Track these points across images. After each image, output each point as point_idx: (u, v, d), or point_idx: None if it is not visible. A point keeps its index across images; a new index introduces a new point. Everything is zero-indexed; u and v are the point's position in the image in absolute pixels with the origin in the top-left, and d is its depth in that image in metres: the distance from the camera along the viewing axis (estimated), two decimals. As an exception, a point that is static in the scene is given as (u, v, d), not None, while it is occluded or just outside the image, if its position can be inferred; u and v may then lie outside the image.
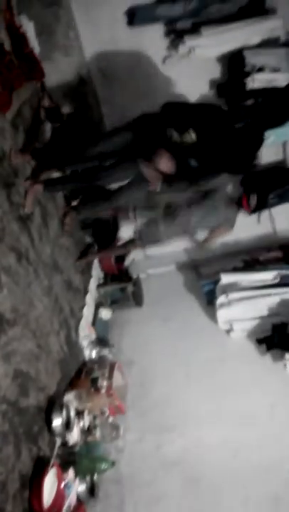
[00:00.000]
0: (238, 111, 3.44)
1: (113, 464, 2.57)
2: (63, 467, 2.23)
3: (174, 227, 3.26)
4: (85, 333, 3.27)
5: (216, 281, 3.78)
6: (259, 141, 2.48)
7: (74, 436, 2.48)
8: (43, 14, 3.18)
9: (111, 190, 3.13)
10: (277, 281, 3.63)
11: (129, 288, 4.05)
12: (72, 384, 2.79)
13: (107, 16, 3.50)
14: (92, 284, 3.80)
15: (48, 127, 3.02)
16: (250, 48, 3.39)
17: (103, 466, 2.51)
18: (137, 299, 4.12)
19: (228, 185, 3.43)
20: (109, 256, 3.94)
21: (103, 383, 2.77)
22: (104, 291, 4.04)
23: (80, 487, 2.36)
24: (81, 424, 2.60)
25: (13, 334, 2.12)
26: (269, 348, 3.36)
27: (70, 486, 2.22)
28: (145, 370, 3.46)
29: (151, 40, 3.59)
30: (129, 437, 2.97)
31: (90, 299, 3.64)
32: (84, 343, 3.20)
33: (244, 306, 3.59)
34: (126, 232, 3.82)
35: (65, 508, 2.13)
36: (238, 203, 3.06)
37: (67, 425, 2.39)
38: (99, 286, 3.99)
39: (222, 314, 3.63)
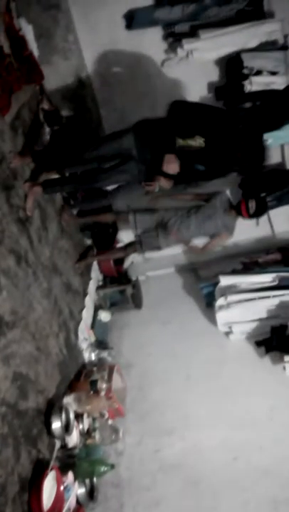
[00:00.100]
0: (236, 113, 3.45)
1: (112, 466, 2.56)
2: (63, 470, 2.23)
3: (174, 235, 3.25)
4: (84, 336, 3.26)
5: (215, 284, 3.78)
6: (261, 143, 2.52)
7: (73, 439, 2.47)
8: (42, 17, 3.20)
9: (108, 190, 3.15)
10: (276, 283, 3.63)
11: (129, 290, 4.05)
12: (71, 386, 2.78)
13: (106, 19, 3.52)
14: (92, 287, 3.80)
15: (47, 130, 3.02)
16: (248, 51, 3.41)
17: (102, 469, 2.50)
18: (136, 302, 4.12)
19: (226, 189, 3.44)
20: (109, 258, 3.94)
21: (102, 386, 2.77)
22: (104, 294, 4.04)
23: (79, 490, 2.36)
24: (80, 426, 2.60)
25: (13, 337, 2.12)
26: (268, 351, 3.36)
27: (70, 488, 2.21)
28: (144, 372, 3.46)
29: (150, 43, 3.61)
30: (129, 440, 2.96)
31: (89, 301, 3.64)
32: (83, 345, 3.20)
33: (243, 308, 3.59)
34: (125, 234, 3.83)
35: (64, 510, 2.12)
36: (237, 209, 3.05)
37: (67, 428, 2.38)
38: (98, 288, 3.99)
39: (221, 316, 3.63)
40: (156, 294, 4.29)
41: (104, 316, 3.81)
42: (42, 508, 1.96)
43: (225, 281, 3.74)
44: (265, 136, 3.20)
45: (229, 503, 2.58)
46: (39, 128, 3.00)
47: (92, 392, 2.71)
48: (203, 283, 4.04)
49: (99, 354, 3.31)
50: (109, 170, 2.78)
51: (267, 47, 3.46)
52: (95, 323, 3.63)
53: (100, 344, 3.52)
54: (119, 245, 3.89)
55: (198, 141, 2.45)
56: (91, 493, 2.47)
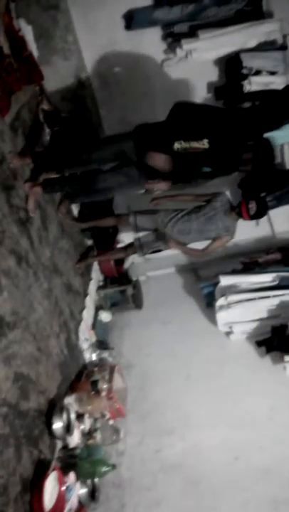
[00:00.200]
0: (236, 113, 3.45)
1: (114, 467, 2.56)
2: (64, 470, 2.22)
3: (174, 238, 3.25)
4: (85, 336, 3.27)
5: (215, 284, 3.78)
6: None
7: (74, 440, 2.48)
8: (41, 18, 3.20)
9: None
10: (276, 283, 3.63)
11: (129, 290, 4.05)
12: (72, 387, 2.78)
13: (105, 19, 3.52)
14: (92, 287, 3.80)
15: (47, 130, 3.02)
16: (247, 51, 3.41)
17: (104, 469, 2.50)
18: (137, 302, 4.12)
19: (225, 190, 3.44)
20: (109, 259, 3.94)
21: (103, 386, 2.77)
22: (104, 294, 4.04)
23: (80, 490, 2.35)
24: (82, 427, 2.59)
25: (14, 337, 2.12)
26: (269, 351, 3.36)
27: (71, 489, 2.21)
28: (145, 372, 3.46)
29: (149, 43, 3.61)
30: (130, 440, 2.97)
31: (90, 301, 3.64)
32: (84, 345, 3.20)
33: (243, 308, 3.59)
34: (126, 235, 3.83)
35: (66, 511, 2.12)
36: (238, 211, 3.05)
37: (68, 428, 2.38)
38: (99, 288, 3.99)
39: (221, 316, 3.63)
40: (157, 294, 4.29)
41: (104, 316, 3.81)
42: (43, 509, 1.96)
43: (225, 281, 3.74)
44: (265, 136, 3.19)
45: (229, 503, 2.59)
46: (39, 128, 3.00)
47: (93, 392, 2.71)
48: (203, 283, 4.04)
49: (100, 354, 3.31)
50: (109, 172, 2.78)
51: (266, 47, 3.47)
52: (95, 324, 3.63)
53: (101, 344, 3.52)
54: (119, 246, 3.89)
55: (202, 143, 2.45)
56: (92, 494, 2.46)
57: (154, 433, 3.01)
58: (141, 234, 3.46)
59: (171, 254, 4.00)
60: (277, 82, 3.39)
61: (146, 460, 2.88)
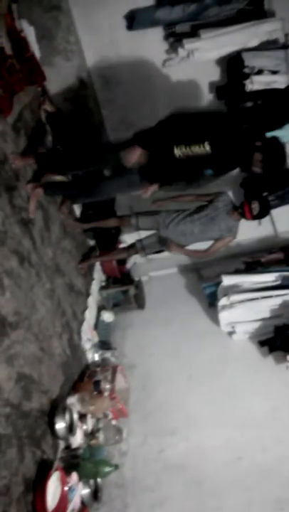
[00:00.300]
0: (238, 113, 3.45)
1: (116, 467, 2.56)
2: (67, 470, 2.23)
3: (176, 239, 3.25)
4: (88, 336, 3.27)
5: (218, 284, 3.77)
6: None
7: (77, 440, 2.48)
8: (43, 19, 3.20)
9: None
10: (278, 282, 3.63)
11: (131, 291, 4.05)
12: (75, 387, 2.78)
13: (107, 19, 3.52)
14: (94, 287, 3.80)
15: (49, 131, 3.03)
16: (249, 51, 3.40)
17: (106, 469, 2.50)
18: (139, 302, 4.12)
19: (227, 190, 3.44)
20: (111, 259, 3.94)
21: (106, 386, 2.77)
22: (107, 294, 4.04)
23: (83, 490, 2.36)
24: (84, 427, 2.60)
25: (16, 337, 2.12)
26: (271, 350, 3.35)
27: (74, 489, 2.21)
28: (148, 372, 3.46)
29: (151, 43, 3.61)
30: (132, 440, 2.96)
31: (92, 301, 3.64)
32: (86, 346, 3.20)
33: (246, 308, 3.58)
34: (128, 235, 3.83)
35: (68, 511, 2.12)
36: (240, 211, 3.04)
37: (71, 428, 2.39)
38: (101, 289, 3.99)
39: (224, 316, 3.62)
40: (159, 294, 4.29)
41: (107, 316, 3.81)
42: (46, 509, 1.96)
43: (227, 280, 3.73)
44: (267, 135, 3.19)
45: (233, 503, 2.58)
46: (41, 129, 3.00)
47: (95, 392, 2.71)
48: (205, 283, 4.04)
49: (102, 355, 3.32)
50: (111, 177, 2.80)
51: (268, 46, 3.46)
52: (98, 324, 3.63)
53: (103, 345, 3.52)
54: (121, 246, 3.89)
55: (203, 147, 2.45)
56: (95, 494, 2.47)
57: (157, 433, 3.01)
58: (143, 234, 3.46)
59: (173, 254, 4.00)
60: (279, 81, 3.38)
61: (149, 460, 2.88)
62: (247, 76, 3.34)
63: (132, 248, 3.59)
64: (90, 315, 3.48)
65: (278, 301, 3.53)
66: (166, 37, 3.59)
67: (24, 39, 2.72)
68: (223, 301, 3.64)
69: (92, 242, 3.93)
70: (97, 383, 2.75)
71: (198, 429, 2.99)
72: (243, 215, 3.04)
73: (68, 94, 3.52)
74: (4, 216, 2.26)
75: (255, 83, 3.35)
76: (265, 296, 3.57)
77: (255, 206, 2.98)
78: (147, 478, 2.78)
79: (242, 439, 2.87)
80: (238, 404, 3.08)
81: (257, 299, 3.58)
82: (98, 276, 3.99)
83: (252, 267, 3.98)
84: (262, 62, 3.37)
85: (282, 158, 2.69)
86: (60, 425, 2.31)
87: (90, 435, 2.67)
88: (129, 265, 4.20)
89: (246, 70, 3.34)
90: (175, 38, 3.53)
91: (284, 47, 3.43)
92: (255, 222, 3.68)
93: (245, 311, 3.58)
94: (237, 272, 3.94)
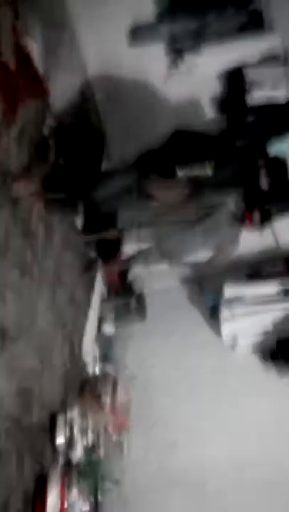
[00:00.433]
0: (240, 127, 3.48)
1: (117, 482, 2.54)
2: (67, 486, 2.20)
3: (178, 248, 3.25)
4: (88, 349, 3.25)
5: (220, 296, 3.77)
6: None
7: (77, 454, 2.45)
8: (47, 34, 3.26)
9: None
10: (281, 295, 3.62)
11: (133, 302, 4.04)
12: (75, 401, 2.76)
13: (110, 35, 3.57)
14: (96, 299, 3.80)
15: (52, 145, 3.05)
16: (250, 66, 3.45)
17: (107, 484, 2.47)
18: (141, 314, 4.10)
19: (229, 201, 3.45)
20: (113, 271, 3.94)
21: (107, 400, 2.75)
22: (108, 306, 4.03)
23: (83, 506, 2.32)
24: (84, 441, 2.57)
25: (17, 350, 2.11)
26: (274, 363, 3.33)
27: (74, 505, 2.19)
28: (149, 385, 3.44)
29: (153, 58, 3.65)
30: (133, 455, 2.93)
31: (93, 314, 3.63)
32: (87, 358, 3.19)
33: (248, 320, 3.57)
34: (130, 246, 3.84)
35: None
36: (242, 221, 3.05)
37: (71, 443, 2.37)
38: (102, 301, 3.98)
39: (226, 329, 3.61)
40: (161, 305, 4.27)
41: (108, 328, 3.80)
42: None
43: (229, 292, 3.73)
44: (269, 149, 3.21)
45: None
46: (44, 144, 3.03)
47: (96, 406, 2.69)
48: (207, 295, 4.03)
49: (103, 367, 3.30)
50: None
51: (268, 61, 3.50)
52: (99, 336, 3.62)
53: (104, 357, 3.50)
54: (123, 257, 3.90)
55: (204, 169, 2.46)
56: (96, 510, 2.43)
57: (158, 446, 2.99)
58: (144, 246, 3.46)
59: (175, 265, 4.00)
60: (279, 97, 3.42)
61: (150, 475, 2.85)
62: (248, 91, 3.38)
63: (133, 259, 3.59)
64: (90, 327, 3.47)
65: (280, 313, 3.53)
66: (168, 52, 3.64)
67: (28, 55, 2.76)
68: (225, 314, 3.63)
69: (93, 254, 3.93)
70: (97, 397, 2.73)
71: (200, 442, 2.98)
72: (244, 225, 3.05)
73: (71, 109, 3.56)
74: (6, 228, 2.27)
75: (256, 98, 3.38)
76: (268, 308, 3.56)
77: (257, 216, 2.98)
78: (149, 493, 2.75)
79: (244, 452, 2.85)
80: (240, 416, 3.07)
81: (259, 311, 3.57)
82: (99, 287, 3.99)
83: (254, 278, 3.97)
84: (262, 77, 3.41)
85: (285, 174, 2.70)
86: (60, 440, 2.30)
87: (91, 449, 2.64)
88: (130, 277, 4.20)
89: (247, 85, 3.38)
90: (176, 54, 3.59)
91: (284, 62, 3.48)
92: (257, 233, 3.68)
93: (247, 323, 3.57)
94: (239, 284, 3.93)
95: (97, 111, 3.83)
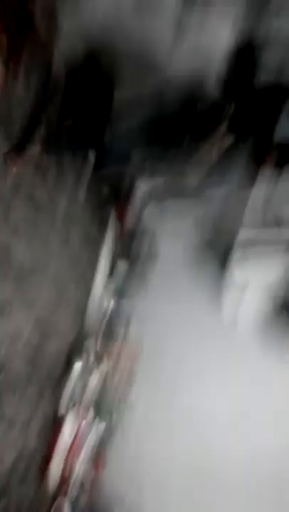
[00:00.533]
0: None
1: (130, 406, 2.66)
2: (84, 408, 2.32)
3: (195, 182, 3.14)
4: (103, 284, 3.30)
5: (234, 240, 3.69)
6: None
7: (93, 380, 2.57)
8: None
9: None
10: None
11: (144, 242, 4.02)
12: (91, 332, 2.85)
13: None
14: (109, 236, 3.79)
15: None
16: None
17: (121, 407, 2.60)
18: (151, 254, 4.11)
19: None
20: (126, 209, 3.88)
21: (121, 330, 2.82)
22: (120, 244, 4.03)
23: (100, 425, 2.46)
24: (100, 368, 2.68)
25: (33, 282, 2.14)
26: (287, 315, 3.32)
27: (90, 425, 2.32)
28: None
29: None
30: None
31: (107, 250, 3.64)
32: (101, 293, 3.24)
33: (260, 260, 3.54)
34: (142, 185, 3.74)
35: (84, 447, 2.23)
36: (263, 161, 2.91)
37: (87, 369, 2.46)
38: (115, 239, 3.97)
39: (237, 274, 3.59)
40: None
41: (121, 265, 3.82)
42: (58, 443, 2.06)
43: (245, 235, 3.67)
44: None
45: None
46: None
47: (111, 336, 2.76)
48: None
49: (117, 302, 3.35)
50: None
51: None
52: (113, 272, 3.65)
53: (118, 292, 3.56)
54: (135, 195, 3.82)
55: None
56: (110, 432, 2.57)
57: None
58: (158, 181, 3.37)
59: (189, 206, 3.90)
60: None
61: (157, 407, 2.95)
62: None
63: (145, 197, 3.52)
64: (104, 263, 3.49)
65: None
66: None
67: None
68: (238, 255, 3.60)
69: (106, 190, 3.85)
70: (112, 328, 2.81)
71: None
72: (265, 164, 2.93)
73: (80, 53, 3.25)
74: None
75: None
76: (280, 250, 3.52)
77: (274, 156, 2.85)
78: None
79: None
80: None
81: (272, 257, 3.53)
82: (112, 225, 3.96)
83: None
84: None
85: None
86: (78, 366, 2.39)
87: (106, 376, 2.76)
88: (142, 215, 4.14)
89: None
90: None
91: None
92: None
93: (259, 263, 3.54)
94: (253, 226, 3.85)
95: (107, 54, 3.51)
